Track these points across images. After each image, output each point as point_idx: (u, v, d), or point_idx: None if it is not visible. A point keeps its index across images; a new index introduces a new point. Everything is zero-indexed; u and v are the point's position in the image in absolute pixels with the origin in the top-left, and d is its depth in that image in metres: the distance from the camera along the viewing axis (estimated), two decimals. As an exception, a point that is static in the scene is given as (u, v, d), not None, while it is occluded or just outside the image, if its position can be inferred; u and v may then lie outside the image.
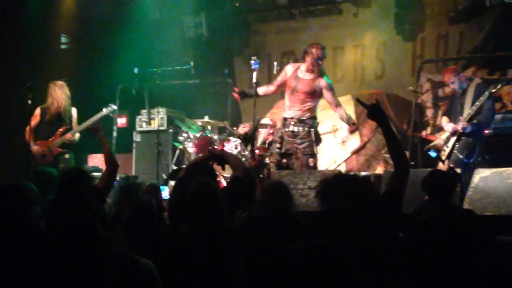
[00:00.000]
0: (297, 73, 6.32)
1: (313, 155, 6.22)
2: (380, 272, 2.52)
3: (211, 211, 3.05)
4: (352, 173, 5.61)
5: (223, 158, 4.55)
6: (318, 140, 6.35)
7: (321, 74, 6.30)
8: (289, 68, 6.43)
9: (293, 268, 1.57)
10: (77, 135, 7.04)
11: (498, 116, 6.98)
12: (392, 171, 6.22)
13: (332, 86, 6.36)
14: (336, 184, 2.68)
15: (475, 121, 6.12)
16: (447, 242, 1.75)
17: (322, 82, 6.24)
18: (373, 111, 3.00)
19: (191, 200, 3.11)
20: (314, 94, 6.23)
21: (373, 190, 2.74)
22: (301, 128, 6.22)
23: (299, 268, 1.55)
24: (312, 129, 6.25)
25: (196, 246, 2.97)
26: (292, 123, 6.27)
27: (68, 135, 6.94)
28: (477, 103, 6.07)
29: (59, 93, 7.00)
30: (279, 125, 6.72)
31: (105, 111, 7.19)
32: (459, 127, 6.11)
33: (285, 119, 6.40)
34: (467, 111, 6.15)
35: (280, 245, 1.65)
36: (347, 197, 2.61)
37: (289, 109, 6.34)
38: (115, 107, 7.40)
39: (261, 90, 6.54)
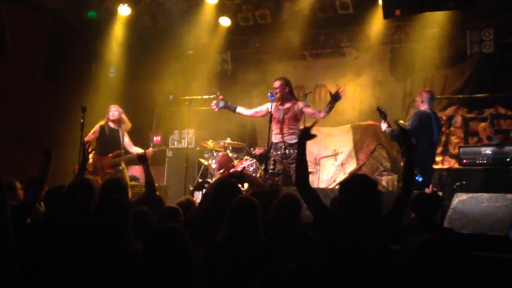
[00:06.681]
0: (277, 106, 6.48)
1: None
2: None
3: (249, 225, 2.98)
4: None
5: (243, 177, 4.64)
6: None
7: (295, 99, 6.55)
8: (269, 105, 6.45)
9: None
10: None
11: (474, 149, 6.96)
12: (383, 191, 6.26)
13: (307, 104, 6.62)
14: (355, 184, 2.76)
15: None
16: (439, 261, 1.78)
17: (300, 104, 6.47)
18: (404, 136, 2.95)
19: (234, 214, 2.99)
20: (297, 118, 6.42)
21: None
22: (292, 150, 6.30)
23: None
24: None
25: (233, 252, 2.90)
26: (283, 146, 6.36)
27: (118, 159, 6.97)
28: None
29: (114, 116, 7.03)
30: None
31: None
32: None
33: (275, 143, 6.45)
34: None
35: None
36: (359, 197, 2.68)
37: (277, 134, 6.45)
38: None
39: (240, 109, 6.78)
